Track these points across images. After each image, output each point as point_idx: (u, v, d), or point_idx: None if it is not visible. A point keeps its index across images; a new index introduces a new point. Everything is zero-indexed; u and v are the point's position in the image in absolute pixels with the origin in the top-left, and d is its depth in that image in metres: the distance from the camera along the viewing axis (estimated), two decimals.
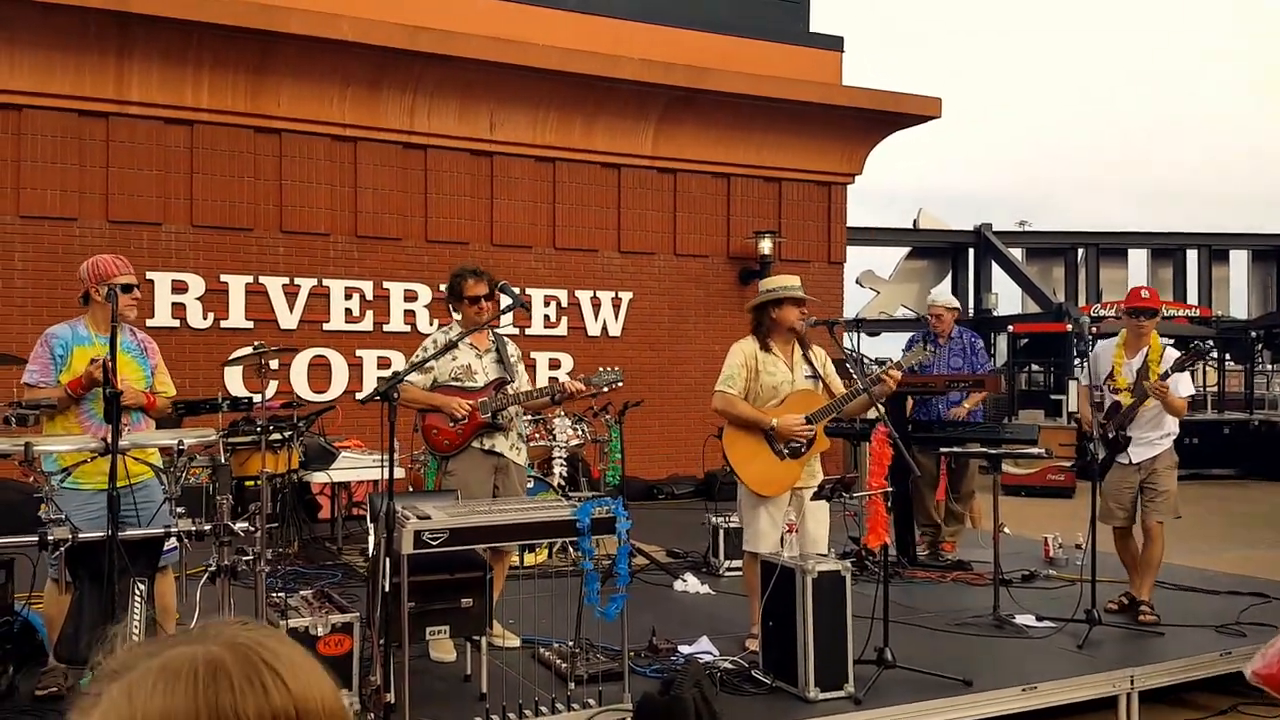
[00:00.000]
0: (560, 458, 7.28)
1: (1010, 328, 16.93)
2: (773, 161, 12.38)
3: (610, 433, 8.04)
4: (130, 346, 4.49)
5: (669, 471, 11.66)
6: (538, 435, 7.45)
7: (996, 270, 20.11)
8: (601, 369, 5.26)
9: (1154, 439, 5.85)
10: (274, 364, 5.70)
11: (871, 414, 5.14)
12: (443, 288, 6.61)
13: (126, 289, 4.29)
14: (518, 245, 11.22)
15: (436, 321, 10.56)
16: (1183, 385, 5.72)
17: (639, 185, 11.85)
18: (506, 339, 5.34)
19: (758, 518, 4.72)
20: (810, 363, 4.81)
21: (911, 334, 7.85)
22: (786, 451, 4.69)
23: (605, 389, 5.13)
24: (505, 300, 4.68)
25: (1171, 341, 6.03)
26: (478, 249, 10.93)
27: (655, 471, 11.50)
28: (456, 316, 5.17)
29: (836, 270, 12.88)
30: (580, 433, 7.66)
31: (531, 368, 11.04)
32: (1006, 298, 20.75)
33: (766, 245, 11.99)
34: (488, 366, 5.09)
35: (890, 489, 4.57)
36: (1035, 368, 16.54)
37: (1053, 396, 15.41)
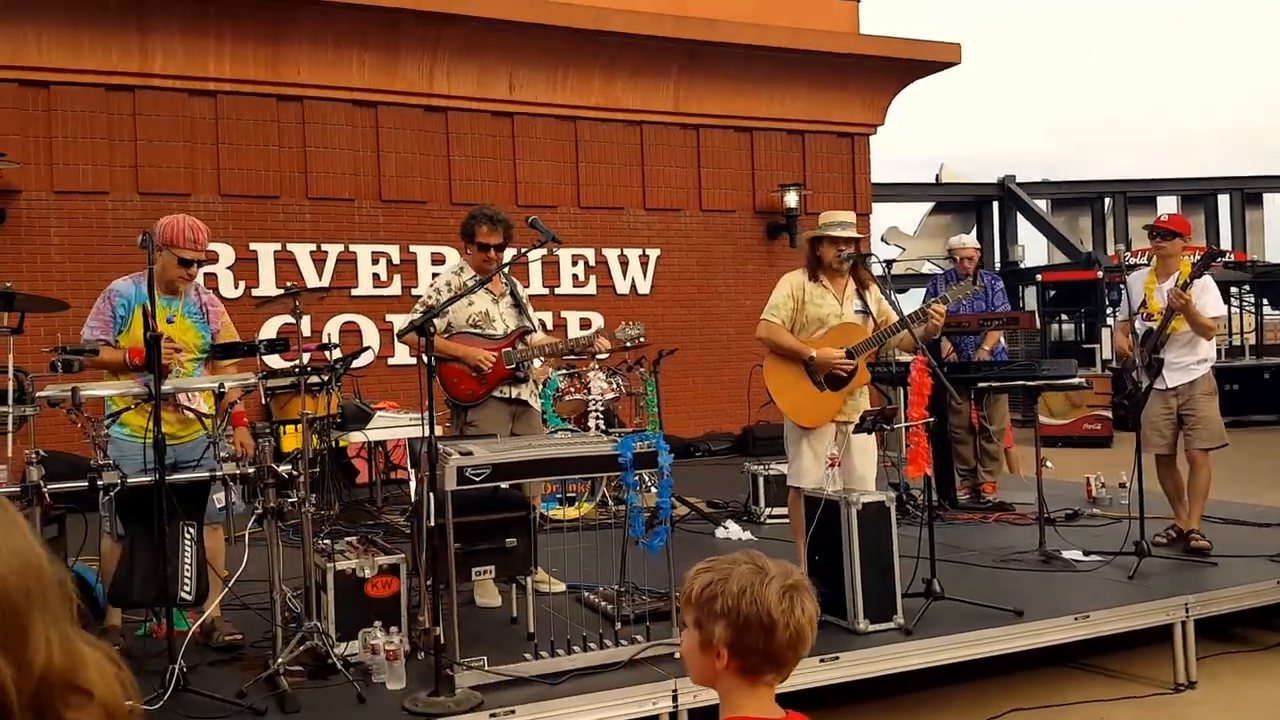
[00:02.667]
0: (596, 411, 7.16)
1: (1039, 278, 16.55)
2: (795, 114, 12.22)
3: (645, 386, 7.94)
4: (192, 310, 4.35)
5: (705, 429, 11.53)
6: (573, 389, 7.38)
7: (1022, 223, 19.77)
8: (625, 323, 5.16)
9: (1188, 364, 5.75)
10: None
11: (904, 356, 5.05)
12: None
13: (185, 263, 4.17)
14: (543, 205, 11.08)
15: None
16: (1210, 302, 5.61)
17: (662, 141, 11.71)
18: (515, 280, 5.20)
19: (801, 453, 4.63)
20: (863, 299, 4.72)
21: (932, 278, 7.90)
22: (826, 382, 4.61)
23: (628, 345, 5.03)
24: (510, 250, 4.62)
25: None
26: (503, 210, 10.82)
27: (691, 429, 11.38)
28: (467, 256, 5.03)
29: (862, 223, 12.75)
30: (616, 386, 7.55)
31: (562, 327, 10.94)
32: (1033, 250, 20.44)
33: (792, 198, 11.84)
34: (505, 313, 4.97)
35: (931, 419, 4.46)
36: (1066, 318, 16.17)
37: (1085, 345, 15.09)
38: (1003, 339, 7.52)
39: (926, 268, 19.20)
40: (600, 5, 10.98)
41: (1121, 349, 5.85)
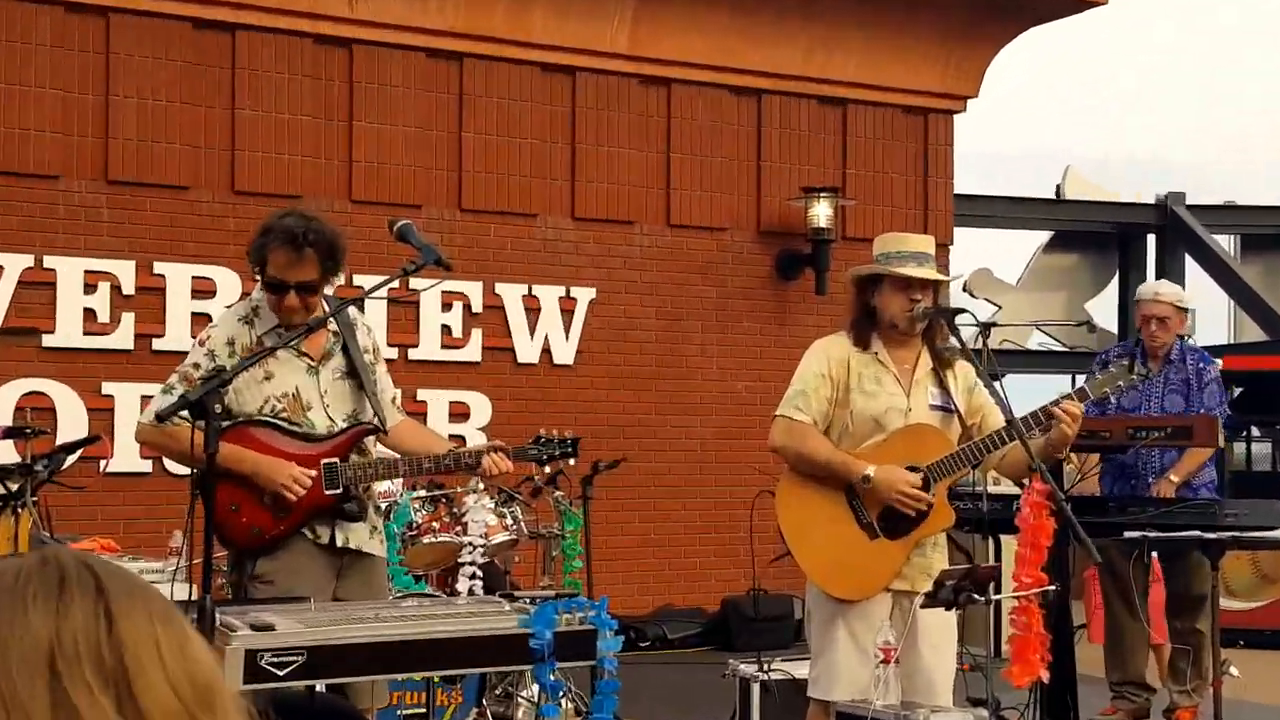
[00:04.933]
0: (473, 564, 5.30)
1: (1218, 364, 11.44)
2: (831, 72, 8.22)
3: (563, 522, 5.94)
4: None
5: (660, 600, 7.83)
6: (436, 525, 5.55)
7: (1193, 271, 13.61)
8: (544, 432, 3.75)
9: None
10: None
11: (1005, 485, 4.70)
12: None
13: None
14: (396, 204, 6.99)
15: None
16: None
17: (606, 103, 7.74)
18: (358, 322, 3.62)
19: (834, 642, 3.47)
20: (945, 387, 3.50)
21: (1105, 351, 6.24)
22: (881, 525, 3.43)
23: (544, 464, 3.81)
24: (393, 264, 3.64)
25: None
26: (326, 208, 6.75)
27: (638, 601, 7.69)
28: (258, 294, 3.50)
29: (940, 256, 8.54)
30: (511, 522, 5.57)
31: (420, 417, 7.11)
32: (1210, 318, 13.82)
33: (823, 212, 7.82)
34: (330, 388, 3.51)
35: (1054, 586, 3.48)
36: (1259, 432, 11.73)
37: None
38: (1212, 467, 5.67)
39: (1035, 341, 13.68)
40: None
41: None
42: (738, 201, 8.02)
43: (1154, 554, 5.33)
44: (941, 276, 3.61)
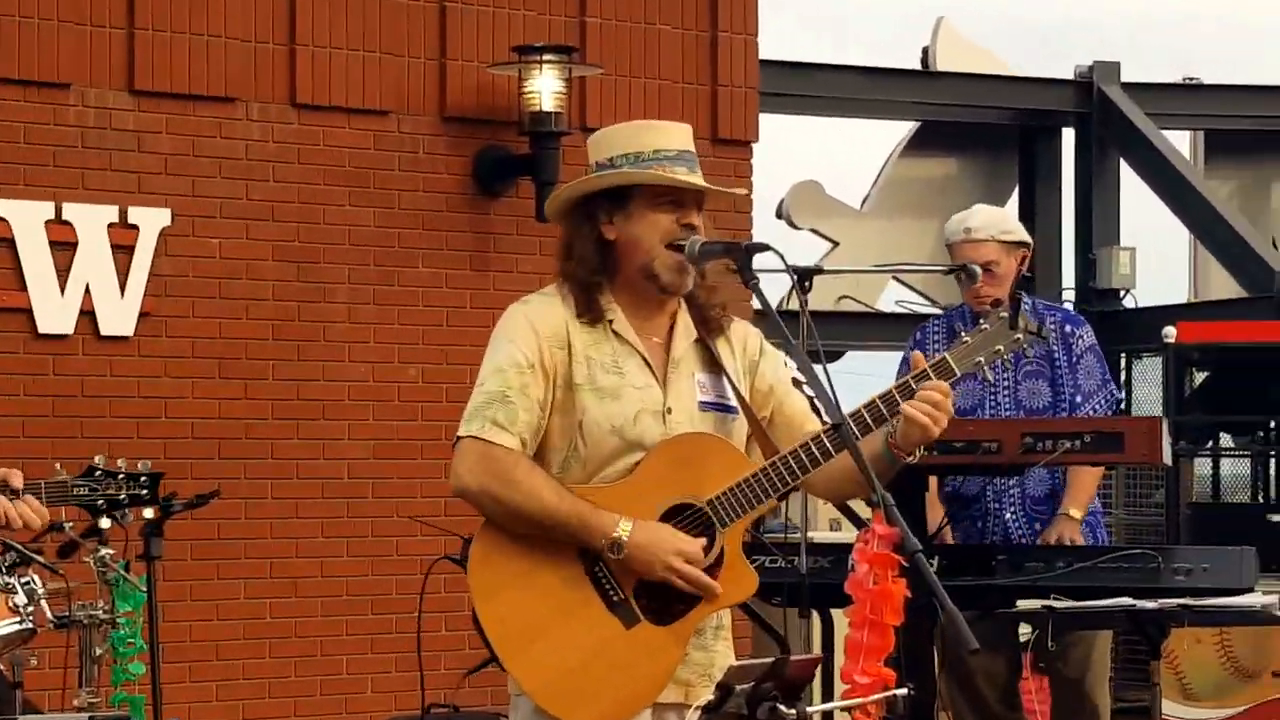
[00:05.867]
0: None
1: (1168, 331, 8.39)
2: None
3: (114, 596, 4.43)
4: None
5: None
6: None
7: (1132, 185, 10.58)
8: (98, 465, 3.75)
9: None
10: None
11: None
12: None
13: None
14: None
15: None
16: None
17: None
18: None
19: None
20: (721, 367, 2.75)
21: (924, 322, 5.10)
22: (643, 604, 2.70)
23: (101, 513, 3.71)
24: None
25: None
26: None
27: None
28: None
29: (735, 164, 6.58)
30: (22, 601, 4.17)
31: None
32: (1156, 257, 10.98)
33: (548, 87, 5.80)
34: None
35: (906, 689, 2.68)
36: (1231, 440, 9.00)
37: (1275, 517, 8.00)
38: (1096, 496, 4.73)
39: (887, 298, 10.65)
40: None
41: None
42: (409, 70, 5.82)
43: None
44: (733, 190, 3.24)
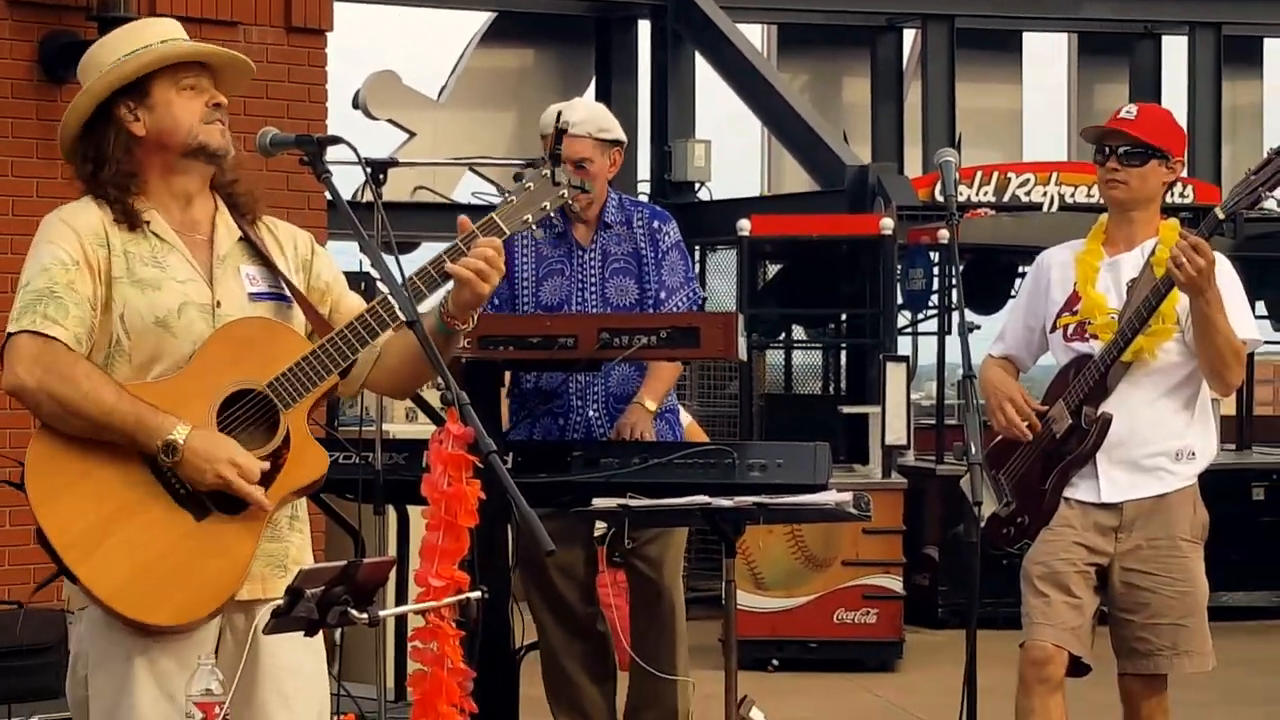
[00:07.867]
0: None
1: (742, 224, 7.59)
2: None
3: None
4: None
5: None
6: None
7: (707, 80, 9.89)
8: None
9: (1159, 453, 3.39)
10: None
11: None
12: None
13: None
14: None
15: None
16: (1236, 308, 3.30)
17: None
18: None
19: (128, 698, 2.43)
20: (268, 263, 2.59)
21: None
22: (212, 496, 2.45)
23: None
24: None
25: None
26: None
27: None
28: None
29: (310, 53, 6.00)
30: None
31: None
32: (727, 151, 10.72)
33: None
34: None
35: (480, 592, 2.50)
36: (804, 334, 8.71)
37: (845, 409, 7.38)
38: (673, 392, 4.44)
39: (463, 189, 9.48)
40: None
41: (1010, 416, 3.46)
42: None
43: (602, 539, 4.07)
44: (249, 61, 2.59)
